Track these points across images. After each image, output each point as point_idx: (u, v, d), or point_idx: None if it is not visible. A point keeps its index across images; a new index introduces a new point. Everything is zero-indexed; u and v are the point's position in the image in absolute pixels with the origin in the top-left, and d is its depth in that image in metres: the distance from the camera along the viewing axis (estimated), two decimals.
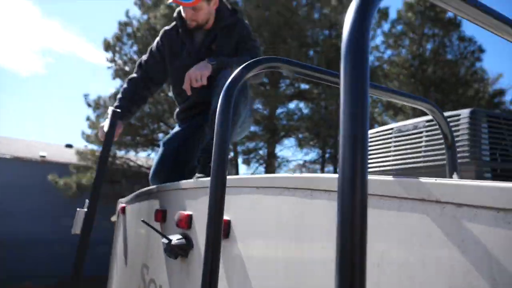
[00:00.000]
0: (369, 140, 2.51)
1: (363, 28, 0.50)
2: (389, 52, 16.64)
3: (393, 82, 15.67)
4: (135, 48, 12.21)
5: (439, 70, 16.06)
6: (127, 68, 12.05)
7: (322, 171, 15.02)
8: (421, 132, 2.18)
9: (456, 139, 2.01)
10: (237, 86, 0.85)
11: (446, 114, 2.11)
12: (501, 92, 17.27)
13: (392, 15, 16.27)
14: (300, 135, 13.33)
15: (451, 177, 1.18)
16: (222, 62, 2.12)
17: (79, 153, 12.84)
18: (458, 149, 2.00)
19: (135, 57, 12.04)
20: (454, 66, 15.84)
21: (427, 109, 1.14)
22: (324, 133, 12.00)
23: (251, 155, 13.15)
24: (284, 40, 10.89)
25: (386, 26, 16.42)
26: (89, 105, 12.47)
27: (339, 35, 13.72)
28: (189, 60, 2.32)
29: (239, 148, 12.94)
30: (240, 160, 13.31)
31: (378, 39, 16.45)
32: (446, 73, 15.84)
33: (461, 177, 1.99)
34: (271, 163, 12.34)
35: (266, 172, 12.88)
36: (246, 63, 0.84)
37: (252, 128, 12.99)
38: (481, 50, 16.67)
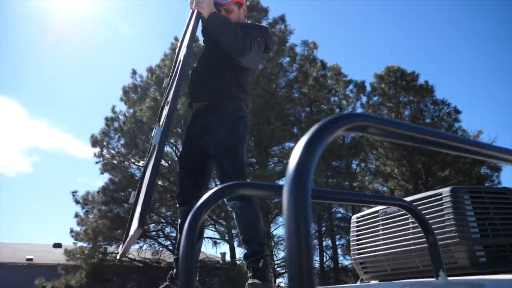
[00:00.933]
0: (357, 224, 2.48)
1: (307, 168, 0.51)
2: None
3: (378, 150, 16.01)
4: (122, 141, 12.44)
5: None
6: (115, 162, 12.14)
7: (321, 245, 14.60)
8: (407, 214, 2.16)
9: (442, 219, 2.00)
10: (200, 219, 0.85)
11: (427, 194, 2.12)
12: None
13: (367, 87, 17.16)
14: None
15: (437, 276, 1.14)
16: (222, 22, 2.30)
17: (68, 252, 12.34)
18: (445, 229, 1.97)
19: (123, 150, 12.21)
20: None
21: (403, 207, 1.14)
22: (317, 207, 11.88)
23: None
24: (268, 121, 11.26)
25: (364, 99, 17.22)
26: (77, 202, 12.31)
27: (320, 111, 14.29)
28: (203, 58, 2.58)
29: (234, 232, 12.63)
30: (235, 243, 12.91)
31: (358, 111, 17.14)
32: None
33: (454, 261, 1.93)
34: (267, 244, 11.96)
35: None
36: (206, 198, 0.86)
37: None
38: (457, 111, 17.38)
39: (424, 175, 15.58)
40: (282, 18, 12.92)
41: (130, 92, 13.39)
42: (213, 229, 12.42)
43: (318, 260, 14.56)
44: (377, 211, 2.34)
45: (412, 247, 2.07)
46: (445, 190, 2.03)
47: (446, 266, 1.99)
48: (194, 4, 2.31)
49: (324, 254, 14.51)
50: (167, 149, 12.38)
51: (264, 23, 13.13)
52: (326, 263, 14.85)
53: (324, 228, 14.26)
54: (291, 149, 12.77)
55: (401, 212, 2.22)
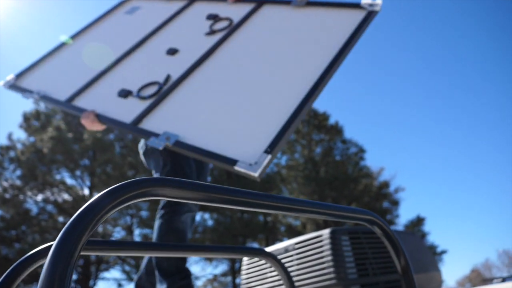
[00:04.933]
0: (247, 267, 2.44)
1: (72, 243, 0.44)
2: (285, 157, 17.86)
3: (291, 185, 16.56)
4: (18, 172, 11.23)
5: (331, 170, 17.56)
6: (7, 196, 10.86)
7: (234, 283, 14.35)
8: (291, 256, 2.19)
9: (321, 260, 2.05)
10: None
11: (309, 235, 2.18)
12: (386, 184, 19.29)
13: None
14: None
15: None
16: None
17: None
18: (325, 270, 2.02)
19: (17, 182, 11.00)
20: (342, 166, 17.48)
21: (263, 257, 1.13)
22: (230, 243, 11.75)
23: None
24: None
25: None
26: None
27: None
28: None
29: None
30: None
31: None
32: (337, 172, 17.36)
33: None
34: None
35: None
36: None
37: None
38: (362, 150, 18.89)
39: None
40: None
41: (31, 119, 12.31)
42: (119, 269, 11.56)
43: None
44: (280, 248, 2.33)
45: (316, 285, 2.08)
46: (325, 232, 2.09)
47: None
48: None
49: None
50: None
51: None
52: None
53: (238, 265, 14.08)
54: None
55: (288, 254, 2.24)
